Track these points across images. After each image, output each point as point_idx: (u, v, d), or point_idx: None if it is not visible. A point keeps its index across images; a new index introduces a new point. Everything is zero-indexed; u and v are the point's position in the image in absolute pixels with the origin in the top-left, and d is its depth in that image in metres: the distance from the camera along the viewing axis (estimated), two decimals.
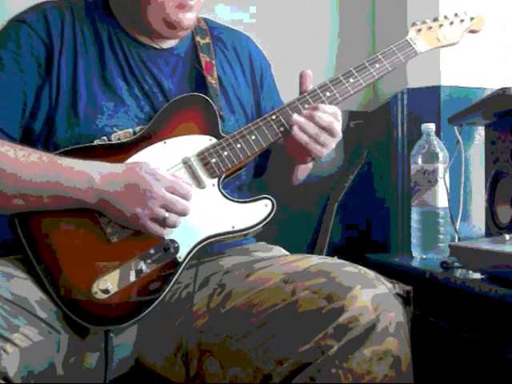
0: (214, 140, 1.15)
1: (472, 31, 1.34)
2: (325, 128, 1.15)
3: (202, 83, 1.24)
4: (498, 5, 1.87)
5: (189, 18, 1.19)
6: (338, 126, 1.16)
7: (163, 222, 1.06)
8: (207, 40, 1.31)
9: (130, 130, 1.17)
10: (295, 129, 1.15)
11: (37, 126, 1.16)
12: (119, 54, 1.21)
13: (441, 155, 1.66)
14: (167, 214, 1.06)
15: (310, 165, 1.32)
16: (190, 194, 1.09)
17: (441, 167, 1.65)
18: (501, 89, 1.43)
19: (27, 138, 1.16)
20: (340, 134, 1.18)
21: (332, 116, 1.16)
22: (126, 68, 1.21)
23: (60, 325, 1.02)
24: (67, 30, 1.19)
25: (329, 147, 1.17)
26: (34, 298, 1.01)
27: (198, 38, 1.30)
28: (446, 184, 1.64)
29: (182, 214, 1.08)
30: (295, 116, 1.16)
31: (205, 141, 1.15)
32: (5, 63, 1.15)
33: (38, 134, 1.16)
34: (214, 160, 1.13)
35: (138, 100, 1.19)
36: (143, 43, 1.24)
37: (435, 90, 1.88)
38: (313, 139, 1.15)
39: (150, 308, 1.04)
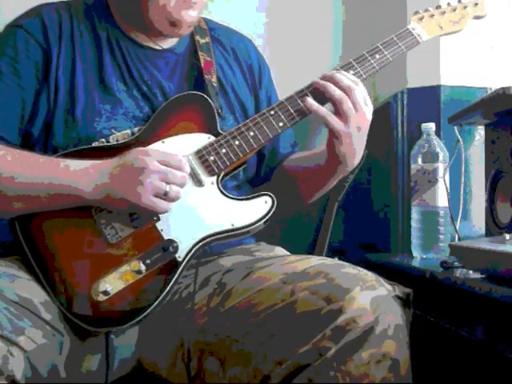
0: (213, 138, 1.14)
1: (476, 17, 1.29)
2: (345, 90, 1.11)
3: (201, 82, 1.24)
4: (499, 4, 1.87)
5: (191, 16, 1.19)
6: (359, 95, 1.11)
7: (166, 197, 1.05)
8: (207, 39, 1.30)
9: (129, 132, 1.17)
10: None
11: (35, 130, 1.16)
12: (118, 56, 1.21)
13: (441, 155, 1.66)
14: (168, 188, 1.05)
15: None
16: (183, 164, 1.07)
17: (441, 167, 1.65)
18: (501, 88, 1.42)
19: (26, 142, 1.16)
20: (362, 109, 1.11)
21: (353, 82, 1.12)
22: (124, 69, 1.20)
23: (63, 326, 1.01)
24: (65, 34, 1.19)
25: (350, 121, 1.11)
26: (38, 300, 1.01)
27: (197, 37, 1.29)
28: (445, 184, 1.64)
29: (181, 183, 1.07)
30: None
31: (203, 139, 1.14)
32: (2, 69, 1.15)
33: (36, 138, 1.16)
34: (212, 158, 1.12)
35: (136, 101, 1.19)
36: (142, 44, 1.23)
37: (435, 90, 1.86)
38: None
39: (151, 309, 1.04)
